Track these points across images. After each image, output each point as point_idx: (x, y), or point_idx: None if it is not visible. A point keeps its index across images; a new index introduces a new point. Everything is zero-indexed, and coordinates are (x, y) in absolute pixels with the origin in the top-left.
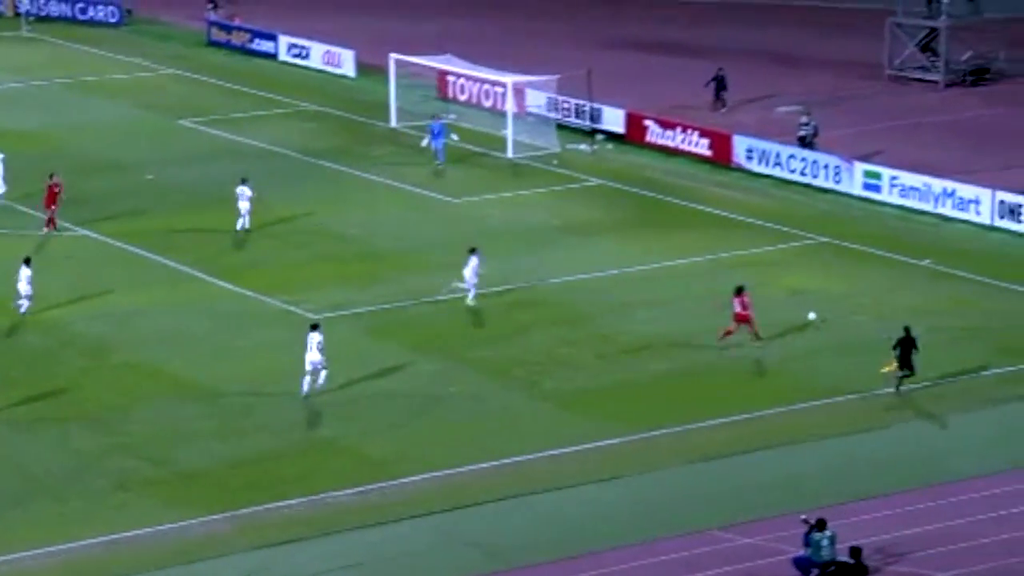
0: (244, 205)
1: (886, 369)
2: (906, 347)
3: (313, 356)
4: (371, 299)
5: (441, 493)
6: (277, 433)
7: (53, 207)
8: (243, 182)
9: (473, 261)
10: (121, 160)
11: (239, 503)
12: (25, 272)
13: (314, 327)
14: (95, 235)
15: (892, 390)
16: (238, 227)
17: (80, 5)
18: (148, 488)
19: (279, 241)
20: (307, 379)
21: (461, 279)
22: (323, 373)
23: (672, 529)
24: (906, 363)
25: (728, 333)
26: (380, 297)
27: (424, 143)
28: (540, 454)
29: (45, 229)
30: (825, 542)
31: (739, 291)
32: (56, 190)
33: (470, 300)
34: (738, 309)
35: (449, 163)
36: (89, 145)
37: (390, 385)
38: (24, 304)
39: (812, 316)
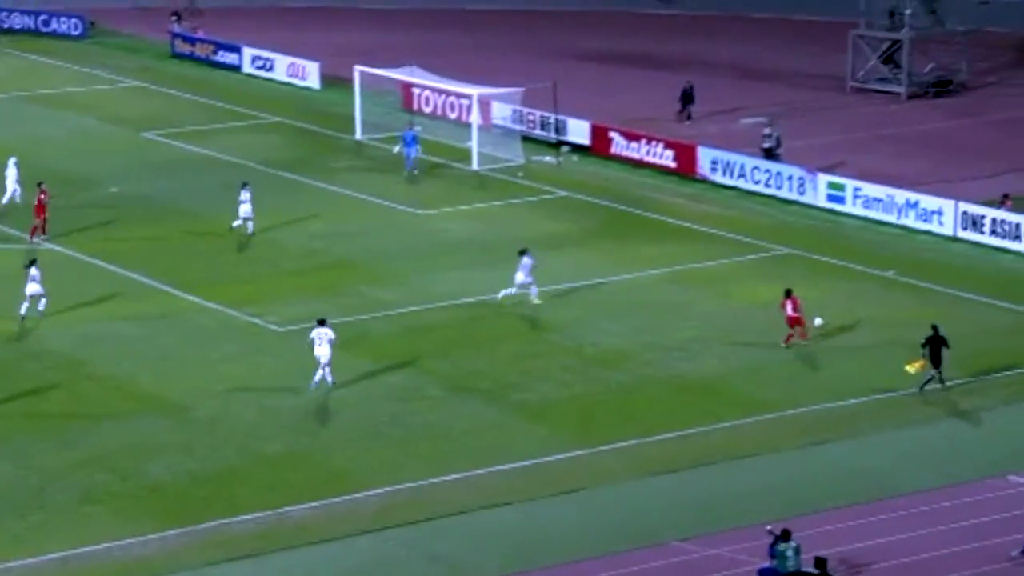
0: (245, 208)
1: (912, 368)
2: (935, 345)
3: (322, 350)
4: (335, 311)
5: (404, 506)
6: (242, 446)
7: (42, 216)
8: (244, 186)
9: (524, 261)
10: (86, 173)
11: (203, 517)
12: (32, 272)
13: (321, 322)
14: (61, 248)
15: (917, 389)
16: (233, 225)
17: (43, 17)
18: (112, 502)
19: (244, 253)
20: (324, 372)
21: (524, 288)
22: (319, 373)
23: (636, 541)
24: (936, 361)
25: (791, 337)
26: (344, 309)
27: (396, 150)
28: (504, 466)
29: (38, 237)
30: (790, 552)
31: (788, 293)
32: (43, 198)
33: (534, 299)
34: (790, 311)
35: (405, 176)
36: (53, 158)
37: (354, 398)
38: (41, 303)
39: (818, 322)
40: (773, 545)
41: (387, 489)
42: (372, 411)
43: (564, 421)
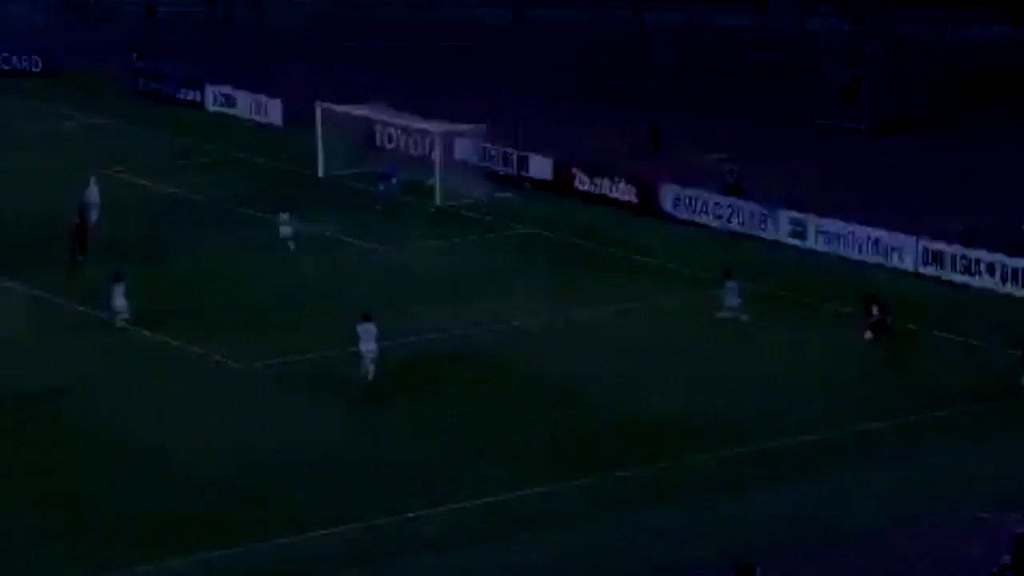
0: (286, 230)
1: None
2: None
3: (369, 345)
4: (293, 348)
5: (368, 546)
6: (204, 485)
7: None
8: (283, 210)
9: (730, 285)
10: (47, 210)
11: (166, 558)
12: (119, 288)
13: (367, 318)
14: (16, 284)
15: None
16: (291, 247)
17: (3, 55)
18: (61, 543)
19: (202, 290)
20: (369, 367)
21: (736, 310)
22: (372, 367)
23: None
24: None
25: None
26: (302, 347)
27: (382, 187)
28: (459, 505)
29: (78, 256)
30: None
31: (871, 299)
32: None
33: (744, 317)
34: (876, 313)
35: (377, 211)
36: (12, 195)
37: (318, 435)
38: (124, 316)
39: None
40: None
41: (351, 527)
42: (337, 449)
43: (530, 458)
